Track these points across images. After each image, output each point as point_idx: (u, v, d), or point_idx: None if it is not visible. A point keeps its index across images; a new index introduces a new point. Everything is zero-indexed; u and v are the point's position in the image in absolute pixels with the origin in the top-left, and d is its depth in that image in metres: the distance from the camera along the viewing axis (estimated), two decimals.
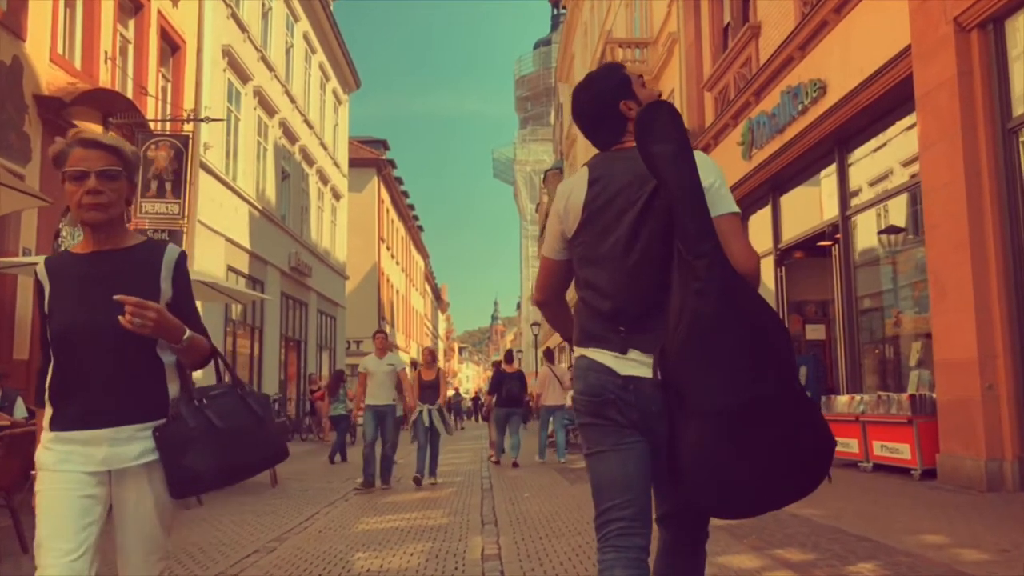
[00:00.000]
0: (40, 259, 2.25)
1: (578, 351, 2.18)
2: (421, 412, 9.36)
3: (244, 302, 14.79)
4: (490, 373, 17.39)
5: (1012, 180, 6.65)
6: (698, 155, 2.03)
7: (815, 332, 11.81)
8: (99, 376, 2.05)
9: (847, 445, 8.20)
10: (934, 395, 7.39)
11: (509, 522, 6.23)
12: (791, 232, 11.51)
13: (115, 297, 1.96)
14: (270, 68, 19.56)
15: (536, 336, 39.20)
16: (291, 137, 21.55)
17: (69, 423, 2.05)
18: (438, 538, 5.64)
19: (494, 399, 12.54)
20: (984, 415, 6.47)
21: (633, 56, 17.96)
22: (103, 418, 2.04)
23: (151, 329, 1.99)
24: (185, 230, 13.10)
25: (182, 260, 2.20)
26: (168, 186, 12.21)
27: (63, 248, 7.80)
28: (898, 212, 8.98)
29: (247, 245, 17.62)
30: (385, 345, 9.52)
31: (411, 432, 9.50)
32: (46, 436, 2.08)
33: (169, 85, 14.35)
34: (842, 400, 8.82)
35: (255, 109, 18.49)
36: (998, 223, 6.63)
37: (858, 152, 9.63)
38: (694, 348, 1.91)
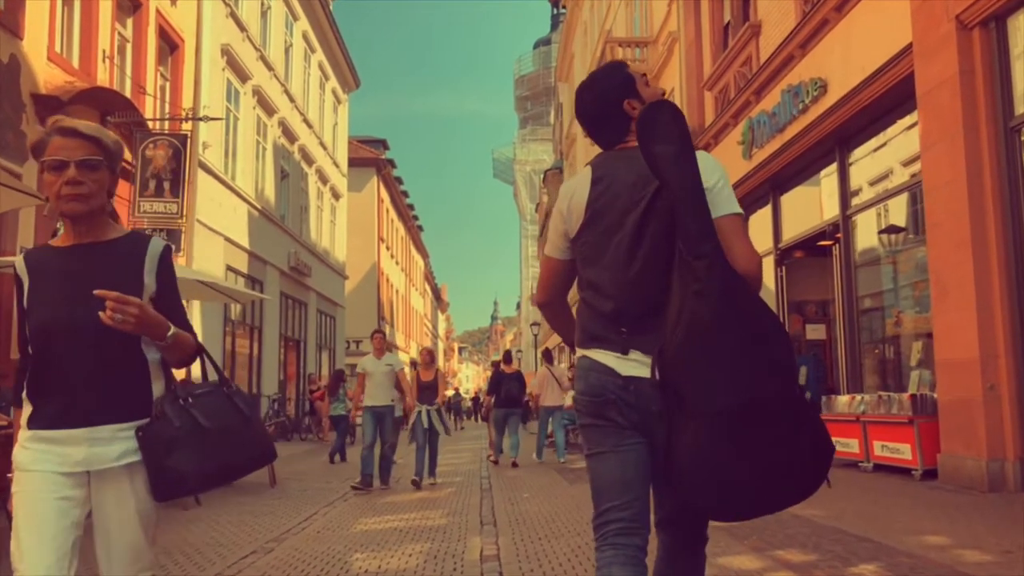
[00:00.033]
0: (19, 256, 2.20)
1: (579, 351, 2.17)
2: (420, 413, 9.32)
3: (243, 302, 14.76)
4: (490, 373, 17.36)
5: (1014, 179, 6.62)
6: (701, 155, 2.02)
7: (815, 332, 11.79)
8: (79, 373, 1.98)
9: (848, 445, 8.18)
10: (935, 395, 7.36)
11: (508, 522, 6.21)
12: (791, 232, 11.48)
13: (95, 292, 1.90)
14: (269, 67, 19.54)
15: (536, 336, 39.19)
16: (290, 136, 21.53)
17: (47, 421, 1.98)
18: (437, 539, 5.62)
19: (493, 399, 12.54)
20: (985, 415, 6.44)
21: (633, 55, 17.94)
22: (81, 416, 1.97)
23: (133, 325, 1.92)
24: (184, 229, 13.08)
25: (167, 253, 2.14)
26: (166, 185, 12.18)
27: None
28: (899, 211, 8.95)
29: (246, 245, 17.60)
30: (383, 345, 9.49)
31: (409, 433, 9.47)
32: (23, 435, 2.02)
33: (167, 84, 14.33)
34: (843, 400, 8.79)
35: (254, 108, 18.47)
36: (1000, 222, 6.61)
37: (859, 151, 9.60)
38: (693, 349, 1.90)
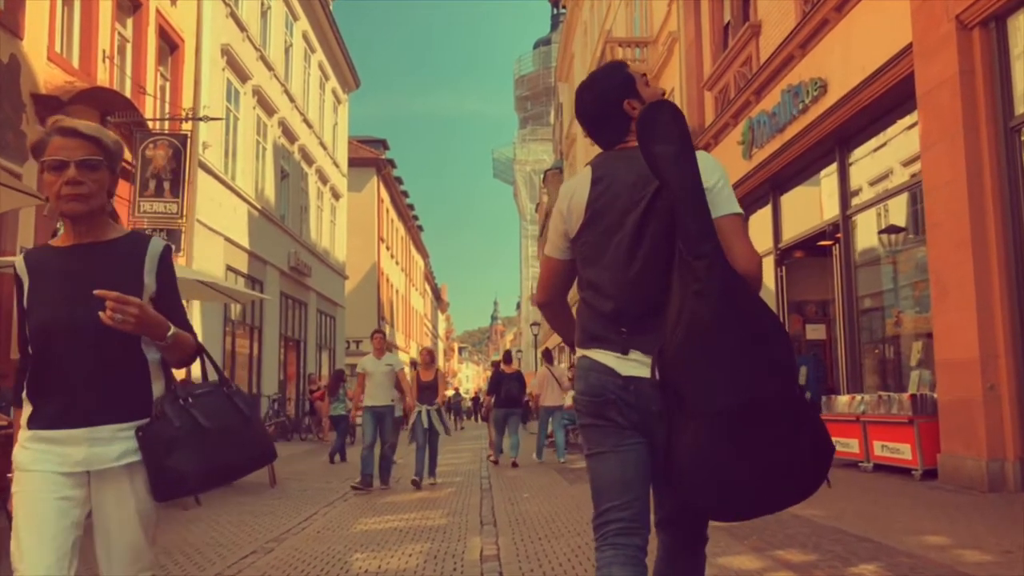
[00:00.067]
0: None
1: (579, 351, 2.18)
2: (420, 413, 9.32)
3: (243, 302, 14.76)
4: (489, 373, 17.36)
5: (1014, 179, 6.61)
6: (701, 155, 2.02)
7: (815, 332, 11.78)
8: (79, 373, 1.98)
9: (848, 445, 8.17)
10: (935, 395, 7.36)
11: (508, 523, 6.21)
12: (791, 232, 11.48)
13: (95, 292, 1.90)
14: (269, 67, 19.54)
15: (536, 336, 39.18)
16: (290, 136, 21.53)
17: (47, 421, 1.98)
18: (437, 539, 5.62)
19: (493, 399, 12.54)
20: (985, 415, 6.43)
21: (633, 55, 17.94)
22: (81, 416, 1.97)
23: (133, 325, 1.92)
24: (184, 229, 13.08)
25: (167, 253, 2.14)
26: (166, 185, 12.18)
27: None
28: (899, 211, 8.95)
29: (246, 245, 17.60)
30: (383, 345, 9.49)
31: (409, 433, 9.47)
32: (23, 435, 2.01)
33: (167, 84, 14.33)
34: (843, 400, 8.79)
35: (254, 108, 18.47)
36: (1000, 222, 6.60)
37: (859, 151, 9.60)
38: (693, 349, 1.90)
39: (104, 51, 11.90)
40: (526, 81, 69.41)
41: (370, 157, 35.30)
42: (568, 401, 11.80)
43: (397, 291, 42.18)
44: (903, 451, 7.48)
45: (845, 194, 9.79)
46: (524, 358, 46.08)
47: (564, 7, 35.65)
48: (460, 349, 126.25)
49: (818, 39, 9.71)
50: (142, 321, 1.93)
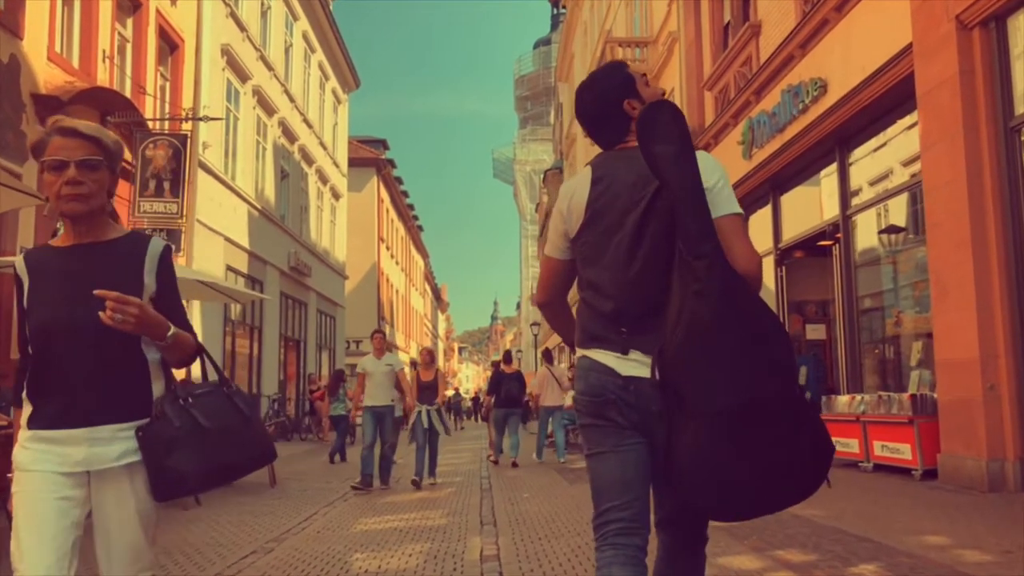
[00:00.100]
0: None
1: (579, 351, 2.17)
2: (420, 413, 9.32)
3: (243, 302, 14.76)
4: (490, 373, 17.37)
5: (1014, 179, 6.61)
6: (701, 155, 2.02)
7: (815, 332, 11.78)
8: (79, 373, 1.98)
9: (848, 445, 8.17)
10: (935, 395, 7.36)
11: (508, 523, 6.21)
12: (791, 232, 11.48)
13: (95, 292, 1.90)
14: (269, 67, 19.54)
15: (536, 336, 39.18)
16: (290, 136, 21.53)
17: (47, 421, 1.98)
18: (437, 539, 5.62)
19: (493, 399, 12.54)
20: (985, 415, 6.43)
21: (633, 55, 17.94)
22: (81, 416, 1.97)
23: (133, 325, 1.92)
24: (184, 229, 13.08)
25: (167, 253, 2.14)
26: (166, 185, 12.18)
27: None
28: (899, 211, 8.95)
29: (246, 245, 17.59)
30: (383, 345, 9.49)
31: (409, 433, 9.47)
32: (23, 435, 2.01)
33: (167, 84, 14.33)
34: (843, 400, 8.79)
35: (254, 108, 18.47)
36: (1000, 222, 6.60)
37: (859, 151, 9.60)
38: (693, 349, 1.90)
39: (104, 51, 11.91)
40: (526, 81, 69.42)
41: (370, 157, 35.30)
42: (568, 401, 11.80)
43: (397, 291, 42.18)
44: (903, 451, 7.48)
45: (845, 194, 9.79)
46: (524, 358, 46.08)
47: (564, 7, 35.65)
48: (460, 349, 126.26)
49: (818, 39, 9.71)
50: (142, 321, 1.93)
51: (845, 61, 9.00)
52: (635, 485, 2.06)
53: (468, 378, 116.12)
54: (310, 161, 23.69)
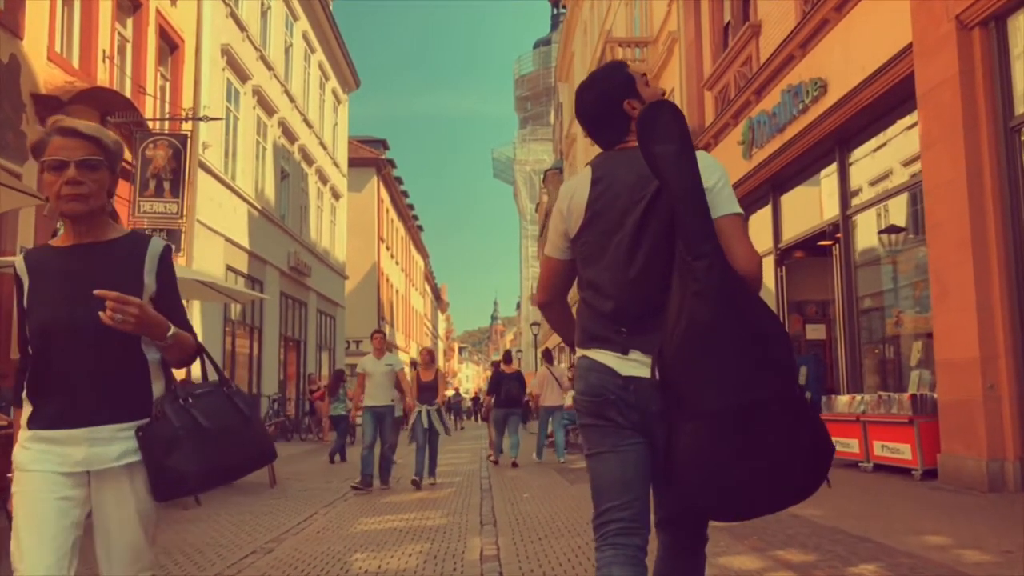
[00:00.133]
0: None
1: (579, 351, 2.17)
2: (420, 413, 9.32)
3: (243, 302, 14.76)
4: (490, 373, 17.37)
5: (1014, 178, 6.61)
6: (701, 155, 2.02)
7: (815, 332, 11.79)
8: (79, 373, 1.98)
9: (848, 445, 8.17)
10: (935, 395, 7.36)
11: (508, 523, 6.20)
12: (791, 232, 11.48)
13: (95, 292, 1.90)
14: (269, 67, 19.54)
15: (536, 336, 39.18)
16: (290, 136, 21.53)
17: (47, 421, 1.98)
18: (437, 539, 5.62)
19: (493, 399, 12.54)
20: (985, 415, 6.44)
21: (633, 55, 17.94)
22: (81, 416, 1.97)
23: (133, 325, 1.92)
24: (184, 229, 13.08)
25: (167, 253, 2.14)
26: (166, 185, 12.18)
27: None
28: (899, 211, 8.95)
29: (246, 245, 17.59)
30: (383, 345, 9.49)
31: (409, 433, 9.47)
32: (23, 435, 2.01)
33: (167, 84, 14.33)
34: (843, 400, 8.79)
35: (254, 108, 18.47)
36: (1000, 222, 6.60)
37: (859, 151, 9.60)
38: (692, 349, 1.90)
39: (104, 51, 11.90)
40: (526, 81, 69.41)
41: (370, 157, 35.30)
42: (568, 401, 11.80)
43: (397, 291, 42.18)
44: (903, 451, 7.48)
45: (845, 194, 9.79)
46: (524, 358, 46.09)
47: (564, 7, 35.66)
48: (460, 349, 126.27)
49: (818, 39, 9.71)
50: (142, 321, 1.93)
51: (845, 61, 9.00)
52: (635, 485, 2.06)
53: (468, 378, 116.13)
54: (310, 161, 23.69)
